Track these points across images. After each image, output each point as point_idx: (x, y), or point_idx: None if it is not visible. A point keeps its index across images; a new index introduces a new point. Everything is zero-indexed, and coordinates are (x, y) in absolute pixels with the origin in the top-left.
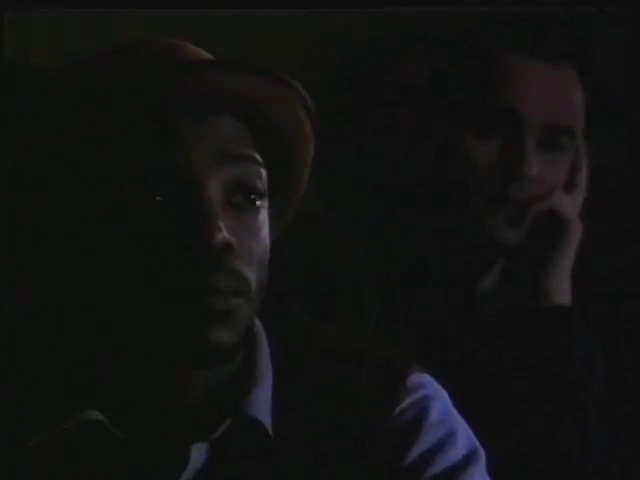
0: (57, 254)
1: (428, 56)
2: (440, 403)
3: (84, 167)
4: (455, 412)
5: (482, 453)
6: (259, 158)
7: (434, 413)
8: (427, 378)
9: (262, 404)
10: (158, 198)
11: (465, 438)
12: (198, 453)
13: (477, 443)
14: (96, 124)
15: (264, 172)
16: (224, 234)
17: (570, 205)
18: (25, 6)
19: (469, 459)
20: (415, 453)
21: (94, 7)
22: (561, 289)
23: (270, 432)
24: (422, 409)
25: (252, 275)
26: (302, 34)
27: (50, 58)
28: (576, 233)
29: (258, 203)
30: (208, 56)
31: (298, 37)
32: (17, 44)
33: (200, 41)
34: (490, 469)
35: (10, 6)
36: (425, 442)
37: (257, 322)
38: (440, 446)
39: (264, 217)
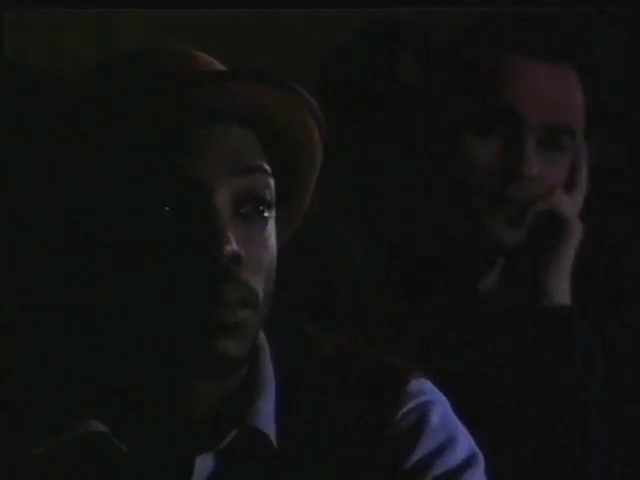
0: (61, 262)
1: (428, 56)
2: (441, 408)
3: (92, 173)
4: (455, 418)
5: (481, 458)
6: (268, 168)
7: (434, 418)
8: (428, 384)
9: (266, 415)
10: (167, 208)
11: (465, 443)
12: (203, 464)
13: (476, 448)
14: (106, 131)
15: (272, 182)
16: (233, 245)
17: (570, 205)
18: (25, 6)
19: (468, 463)
20: (416, 457)
21: (94, 7)
22: (561, 289)
23: (274, 443)
24: (423, 414)
25: (260, 286)
26: (302, 34)
27: (50, 58)
28: (576, 233)
29: (266, 214)
30: (218, 65)
31: (298, 37)
32: (17, 44)
33: (200, 41)
34: (490, 473)
35: (10, 6)
36: (425, 446)
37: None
38: (440, 450)
39: (272, 227)
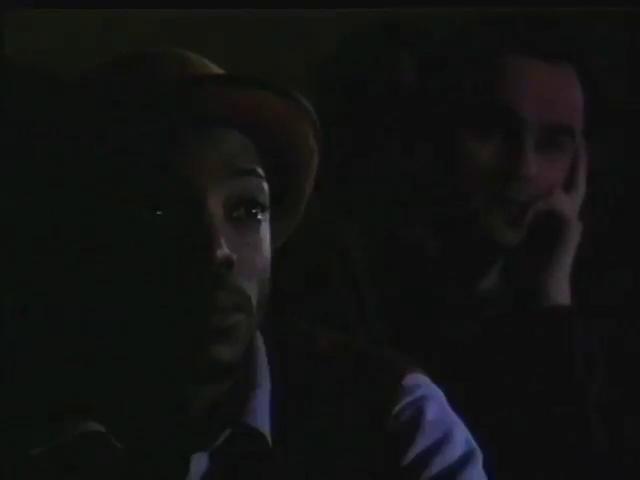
0: (56, 265)
1: (427, 55)
2: (436, 403)
3: (91, 174)
4: (451, 412)
5: (479, 453)
6: (262, 172)
7: (431, 413)
8: (423, 378)
9: (261, 413)
10: (159, 212)
11: (462, 438)
12: (198, 463)
13: (474, 443)
14: (104, 132)
15: (266, 185)
16: (225, 250)
17: (569, 205)
18: (25, 6)
19: (466, 459)
20: (413, 453)
21: (94, 7)
22: (561, 289)
23: (269, 441)
24: (419, 409)
25: (253, 290)
26: (302, 34)
27: (50, 58)
28: (575, 233)
29: (259, 217)
30: (212, 68)
31: (298, 37)
32: (17, 44)
33: (201, 41)
34: (488, 469)
35: (10, 6)
36: (422, 442)
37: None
38: (437, 446)
39: (265, 230)
